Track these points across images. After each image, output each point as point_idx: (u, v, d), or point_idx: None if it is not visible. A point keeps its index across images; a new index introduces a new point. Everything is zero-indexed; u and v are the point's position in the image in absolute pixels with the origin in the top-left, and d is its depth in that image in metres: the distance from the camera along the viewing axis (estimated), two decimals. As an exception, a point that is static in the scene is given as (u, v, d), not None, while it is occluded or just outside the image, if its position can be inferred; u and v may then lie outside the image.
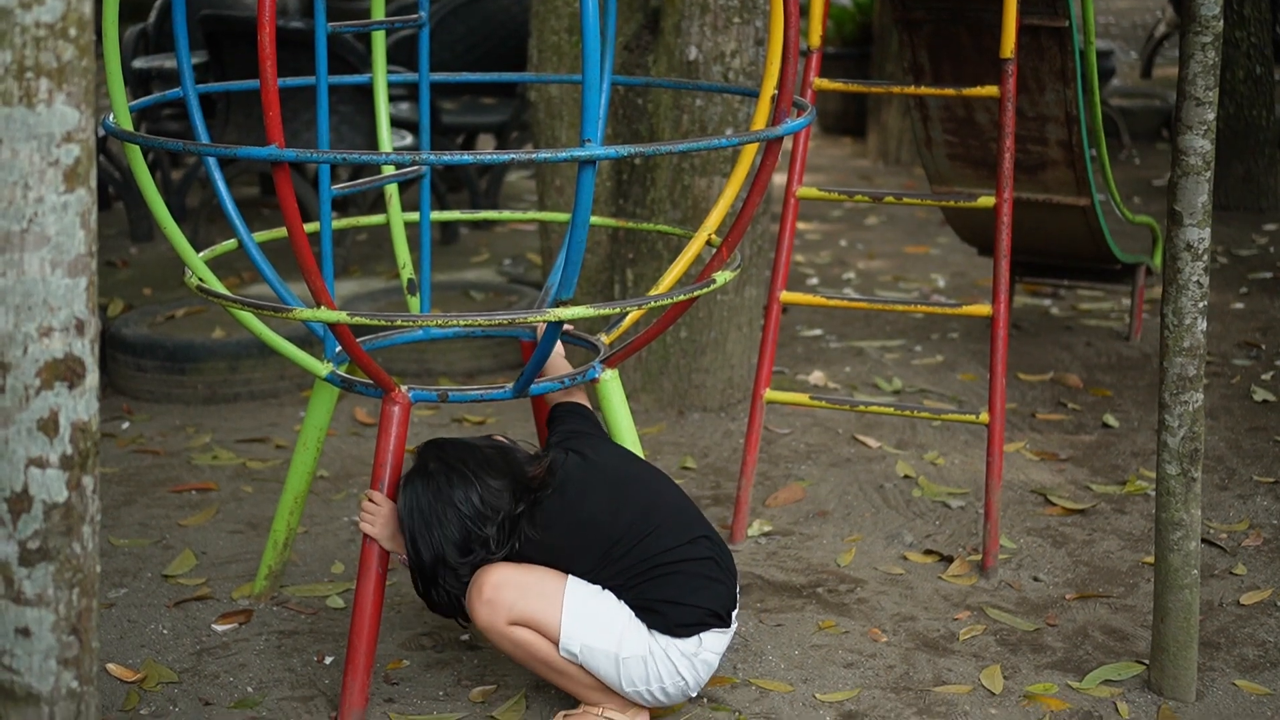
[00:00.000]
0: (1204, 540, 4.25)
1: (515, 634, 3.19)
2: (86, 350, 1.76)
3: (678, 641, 3.26)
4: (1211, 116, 3.28)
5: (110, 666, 3.56)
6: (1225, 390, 5.53)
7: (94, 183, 1.75)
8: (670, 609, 3.25)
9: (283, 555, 3.90)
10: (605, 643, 3.21)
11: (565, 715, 3.34)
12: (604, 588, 3.25)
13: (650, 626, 3.25)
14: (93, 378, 1.78)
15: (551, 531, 3.22)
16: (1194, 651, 3.46)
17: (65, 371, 1.75)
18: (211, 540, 4.28)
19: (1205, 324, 3.33)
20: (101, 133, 5.96)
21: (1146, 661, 3.58)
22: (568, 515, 3.24)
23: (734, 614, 3.35)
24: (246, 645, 3.70)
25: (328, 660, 3.63)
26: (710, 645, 3.30)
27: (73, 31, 1.71)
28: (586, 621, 3.21)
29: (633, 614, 3.24)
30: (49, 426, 1.75)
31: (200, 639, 3.72)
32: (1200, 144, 3.28)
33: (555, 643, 3.20)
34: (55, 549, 1.76)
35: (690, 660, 3.28)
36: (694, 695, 3.38)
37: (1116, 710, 3.43)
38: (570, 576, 3.24)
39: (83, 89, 1.72)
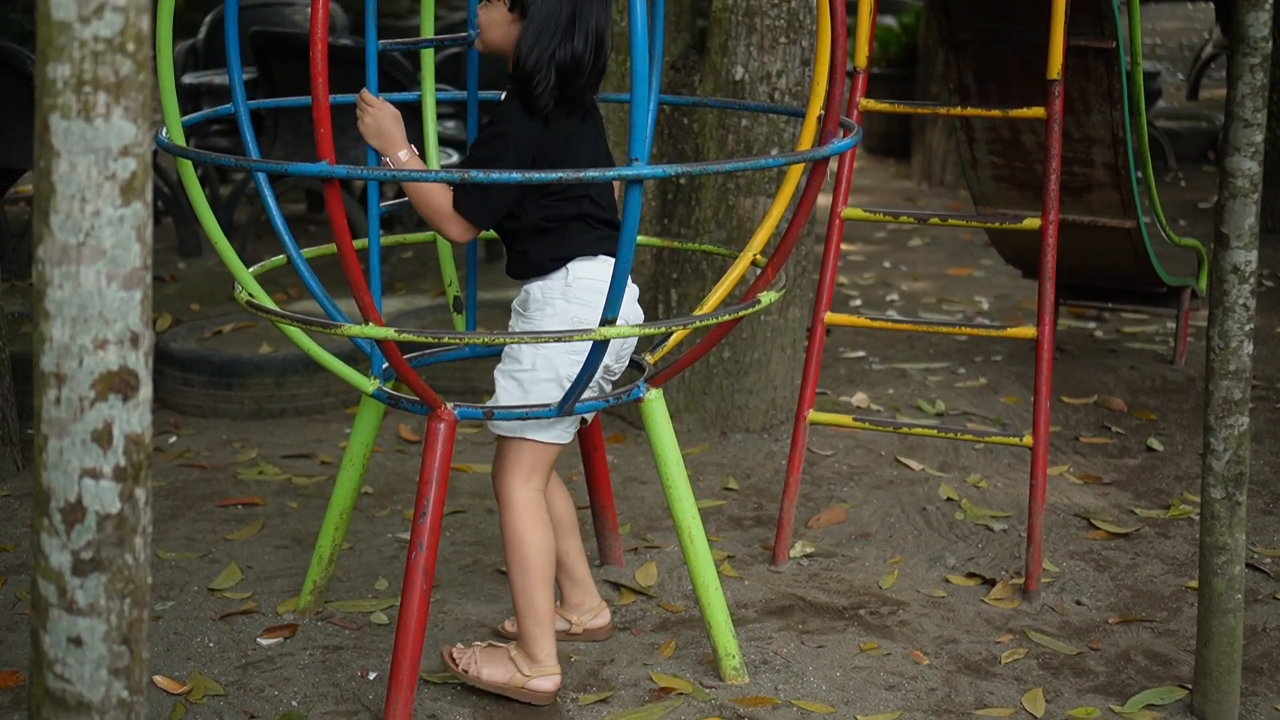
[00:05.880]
0: (1248, 565, 4.23)
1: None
2: (140, 363, 1.78)
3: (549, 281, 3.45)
4: (1260, 138, 3.28)
5: (157, 678, 3.58)
6: (1270, 414, 5.50)
7: (150, 196, 1.77)
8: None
9: (328, 571, 3.92)
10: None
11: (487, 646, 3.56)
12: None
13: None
14: (146, 390, 1.80)
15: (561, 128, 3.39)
16: (1237, 676, 3.44)
17: (119, 384, 1.76)
18: (257, 555, 4.30)
19: (1251, 347, 3.32)
20: (154, 148, 6.01)
21: (1189, 686, 3.57)
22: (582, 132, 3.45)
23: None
24: (291, 660, 3.71)
25: (371, 676, 3.64)
26: (580, 271, 3.43)
27: (131, 46, 1.73)
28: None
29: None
30: (103, 438, 1.76)
31: (245, 653, 3.75)
32: (1248, 166, 3.27)
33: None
34: (108, 559, 1.78)
35: (564, 291, 3.44)
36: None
37: (1160, 734, 3.42)
38: None
39: (140, 103, 1.74)
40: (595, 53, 3.34)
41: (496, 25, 3.38)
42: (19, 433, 4.90)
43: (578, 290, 3.41)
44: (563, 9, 3.31)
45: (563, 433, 3.50)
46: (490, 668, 3.50)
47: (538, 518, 3.46)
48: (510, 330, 3.55)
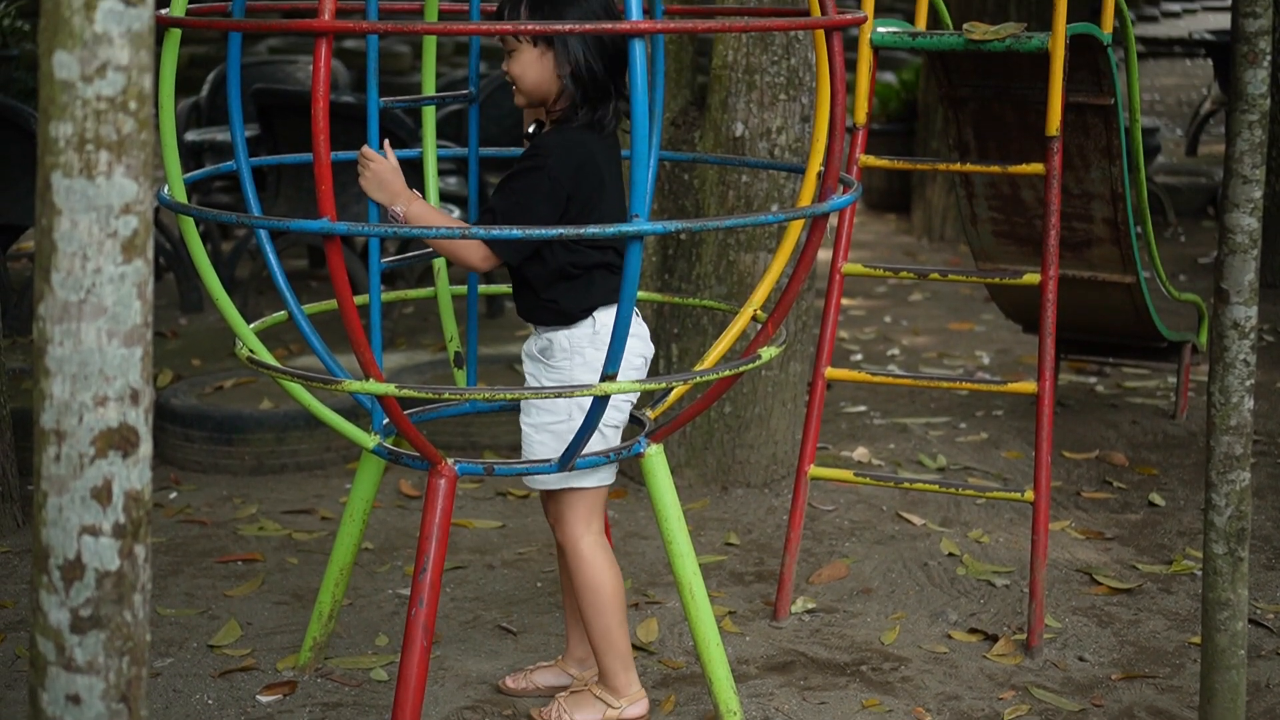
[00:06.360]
0: (1251, 620, 4.22)
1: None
2: (141, 419, 1.78)
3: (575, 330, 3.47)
4: (1259, 194, 3.28)
5: (154, 736, 3.57)
6: (1272, 470, 5.49)
7: (151, 254, 1.78)
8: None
9: (327, 627, 3.91)
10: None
11: (563, 696, 3.62)
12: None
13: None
14: (146, 447, 1.80)
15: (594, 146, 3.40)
16: (1242, 733, 3.43)
17: (119, 440, 1.76)
18: (257, 611, 4.29)
19: (1252, 402, 3.32)
20: (156, 204, 6.03)
21: (1194, 743, 3.55)
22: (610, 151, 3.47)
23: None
24: (291, 717, 3.70)
25: (371, 732, 3.63)
26: (606, 319, 3.44)
27: (133, 105, 1.73)
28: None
29: None
30: (102, 495, 1.76)
31: (245, 710, 3.73)
32: (1247, 222, 3.28)
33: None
34: (107, 617, 1.77)
35: (592, 339, 3.46)
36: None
37: (1163, 792, 3.40)
38: None
39: (141, 161, 1.75)
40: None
41: (531, 66, 3.38)
42: (19, 489, 4.89)
43: (605, 338, 3.41)
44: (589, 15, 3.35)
45: (609, 473, 3.53)
46: (582, 713, 3.57)
47: (607, 559, 3.53)
48: (531, 377, 3.55)
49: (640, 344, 3.52)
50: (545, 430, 3.45)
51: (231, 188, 8.41)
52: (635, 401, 3.60)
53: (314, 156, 2.91)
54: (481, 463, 3.44)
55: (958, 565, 4.65)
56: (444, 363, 6.05)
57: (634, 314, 3.47)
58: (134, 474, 1.78)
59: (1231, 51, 3.26)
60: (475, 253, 3.33)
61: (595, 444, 3.44)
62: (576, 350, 3.45)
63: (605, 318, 3.44)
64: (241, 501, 5.16)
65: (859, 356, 7.13)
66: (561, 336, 3.46)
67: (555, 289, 3.44)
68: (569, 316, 3.45)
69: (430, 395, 3.29)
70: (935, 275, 4.34)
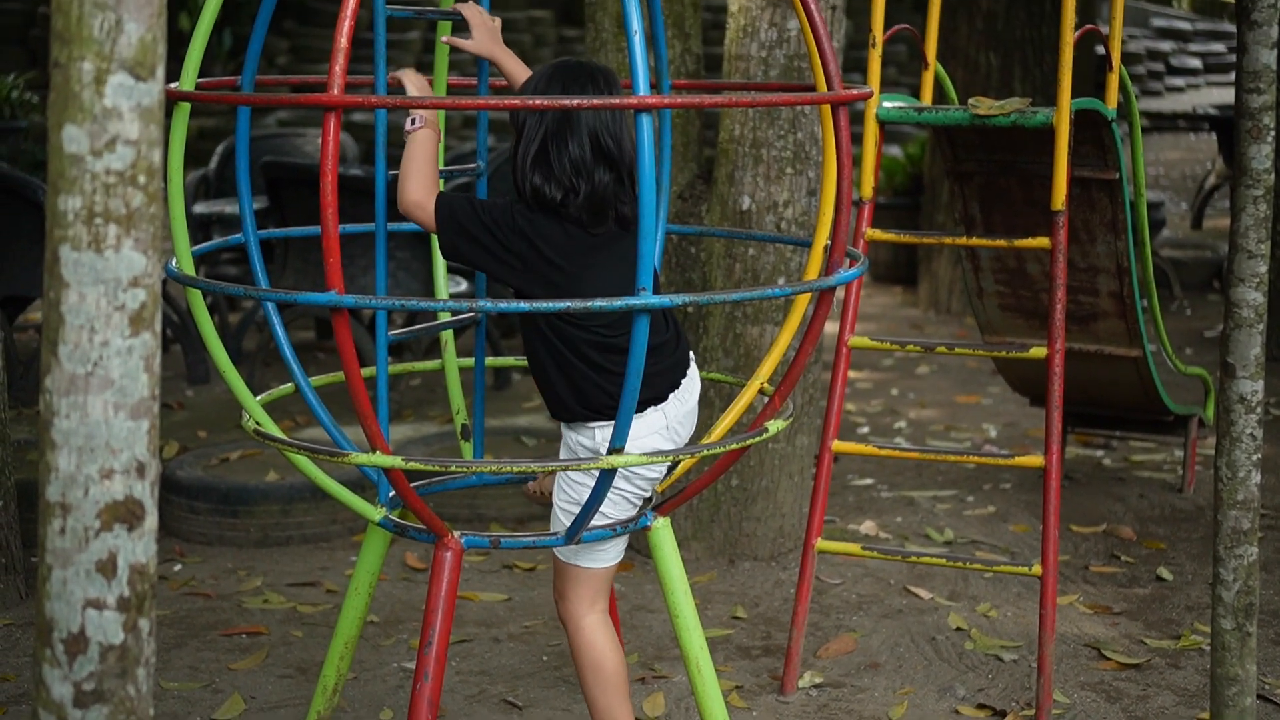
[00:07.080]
0: (1259, 696, 4.19)
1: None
2: (146, 493, 1.78)
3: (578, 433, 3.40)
4: (1264, 269, 3.29)
5: (157, 810, 3.54)
6: (1279, 544, 5.48)
7: (158, 327, 1.78)
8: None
9: (332, 701, 3.88)
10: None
11: None
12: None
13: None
14: (152, 520, 1.80)
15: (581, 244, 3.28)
16: (1253, 810, 3.40)
17: (125, 513, 1.76)
18: (261, 685, 4.27)
19: (1259, 477, 3.31)
20: (164, 277, 6.05)
21: (1204, 820, 3.52)
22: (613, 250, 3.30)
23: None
24: (293, 791, 3.68)
25: (374, 807, 3.60)
26: (603, 437, 3.35)
27: (142, 179, 1.74)
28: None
29: None
30: (107, 568, 1.76)
31: (247, 784, 3.71)
32: (1252, 296, 3.28)
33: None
34: (110, 691, 1.77)
35: (590, 450, 3.38)
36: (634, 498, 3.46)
37: None
38: None
39: (150, 235, 1.75)
40: (599, 156, 3.27)
41: None
42: (23, 561, 4.88)
43: (603, 452, 3.32)
44: (547, 115, 3.26)
45: (617, 554, 3.49)
46: None
47: (609, 638, 3.48)
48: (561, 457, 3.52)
49: (663, 437, 3.44)
50: (566, 513, 3.43)
51: (239, 260, 8.43)
52: (650, 493, 3.53)
53: (322, 229, 2.92)
54: (488, 535, 3.43)
55: (965, 640, 4.62)
56: (451, 435, 6.04)
57: (661, 410, 3.40)
58: (139, 547, 1.78)
59: (1236, 127, 3.28)
60: (412, 194, 3.21)
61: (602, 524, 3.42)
62: (576, 454, 3.41)
63: (608, 435, 3.27)
64: (246, 574, 5.14)
65: (866, 429, 7.12)
66: (569, 436, 3.44)
67: (543, 369, 3.37)
68: (562, 411, 3.39)
69: (437, 468, 3.28)
70: (942, 348, 4.35)
